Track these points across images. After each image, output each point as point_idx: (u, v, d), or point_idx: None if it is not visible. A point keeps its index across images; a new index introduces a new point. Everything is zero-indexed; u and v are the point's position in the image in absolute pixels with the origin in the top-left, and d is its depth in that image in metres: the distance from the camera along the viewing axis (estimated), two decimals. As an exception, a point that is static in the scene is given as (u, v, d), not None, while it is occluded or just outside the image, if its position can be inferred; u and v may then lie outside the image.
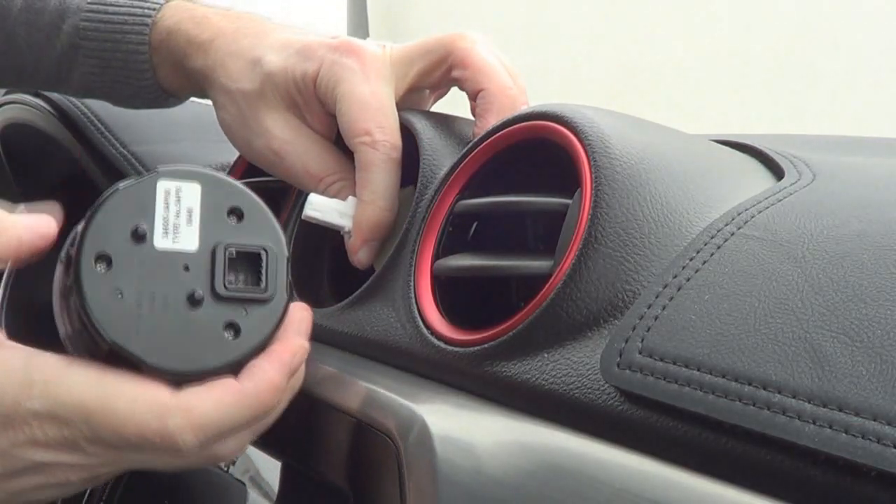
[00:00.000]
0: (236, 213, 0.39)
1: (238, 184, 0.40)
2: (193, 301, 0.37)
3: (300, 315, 0.42)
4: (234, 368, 0.38)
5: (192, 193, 0.39)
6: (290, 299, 0.40)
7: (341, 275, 0.56)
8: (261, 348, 0.39)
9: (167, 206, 0.38)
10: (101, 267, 0.37)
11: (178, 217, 0.38)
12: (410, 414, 0.42)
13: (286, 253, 0.39)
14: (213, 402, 0.38)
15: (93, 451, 0.38)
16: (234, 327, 0.38)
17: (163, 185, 0.38)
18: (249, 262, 0.39)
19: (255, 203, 0.40)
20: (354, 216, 0.51)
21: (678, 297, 0.35)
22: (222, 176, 0.40)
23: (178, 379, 0.38)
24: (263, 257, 0.39)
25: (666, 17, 1.60)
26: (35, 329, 0.41)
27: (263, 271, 0.39)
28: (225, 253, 0.38)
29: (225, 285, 0.38)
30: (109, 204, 0.38)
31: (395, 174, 0.51)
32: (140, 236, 0.38)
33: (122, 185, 0.38)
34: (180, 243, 0.38)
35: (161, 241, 0.38)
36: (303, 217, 0.52)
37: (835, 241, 0.35)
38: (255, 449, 0.54)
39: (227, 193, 0.39)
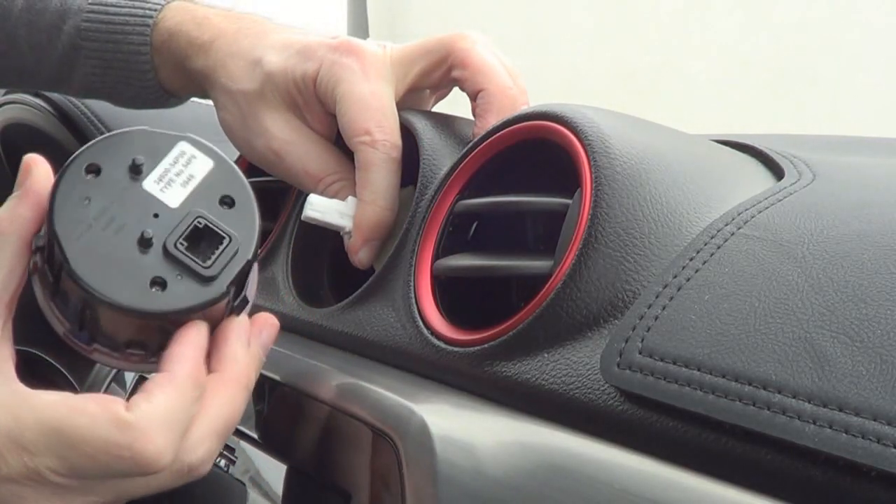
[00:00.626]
0: (228, 201, 0.40)
1: (245, 181, 0.41)
2: (143, 242, 0.38)
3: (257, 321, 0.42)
4: (140, 317, 0.38)
5: (202, 166, 0.40)
6: (234, 296, 0.40)
7: (341, 275, 0.56)
8: (167, 316, 0.38)
9: (174, 163, 0.40)
10: (89, 176, 0.39)
11: (178, 176, 0.39)
12: (410, 414, 0.42)
13: (250, 255, 0.39)
14: (162, 398, 0.37)
15: (58, 481, 0.37)
16: (162, 284, 0.38)
17: (182, 146, 0.40)
18: (213, 242, 0.39)
19: (250, 201, 0.40)
20: (355, 216, 0.51)
21: (678, 297, 0.35)
22: (235, 167, 0.41)
23: (86, 298, 0.38)
24: (225, 242, 0.39)
25: (666, 18, 1.60)
26: (34, 329, 0.41)
27: (216, 253, 0.39)
28: (194, 220, 0.39)
29: (176, 244, 0.38)
30: (128, 134, 0.40)
31: (395, 174, 0.51)
32: (135, 170, 0.39)
33: (152, 128, 0.40)
34: (165, 195, 0.39)
35: (150, 184, 0.39)
36: (302, 218, 0.51)
37: (835, 241, 0.35)
38: (255, 449, 0.54)
39: (230, 181, 0.40)
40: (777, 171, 0.46)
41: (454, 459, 0.39)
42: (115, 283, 0.38)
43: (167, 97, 0.62)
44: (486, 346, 0.41)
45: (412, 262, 0.47)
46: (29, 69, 0.64)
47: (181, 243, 0.38)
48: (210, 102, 0.59)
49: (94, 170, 0.39)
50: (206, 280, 0.38)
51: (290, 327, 0.55)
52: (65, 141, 0.80)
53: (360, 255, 0.51)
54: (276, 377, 0.52)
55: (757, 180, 0.45)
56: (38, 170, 0.40)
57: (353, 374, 0.48)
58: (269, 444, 0.53)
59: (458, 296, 0.46)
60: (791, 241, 0.36)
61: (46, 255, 0.39)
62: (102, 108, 0.79)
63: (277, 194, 0.61)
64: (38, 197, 0.40)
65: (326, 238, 0.56)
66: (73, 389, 0.85)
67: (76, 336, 0.41)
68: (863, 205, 0.38)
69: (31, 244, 0.40)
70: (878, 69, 1.35)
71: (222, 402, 0.40)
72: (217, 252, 0.39)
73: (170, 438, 0.37)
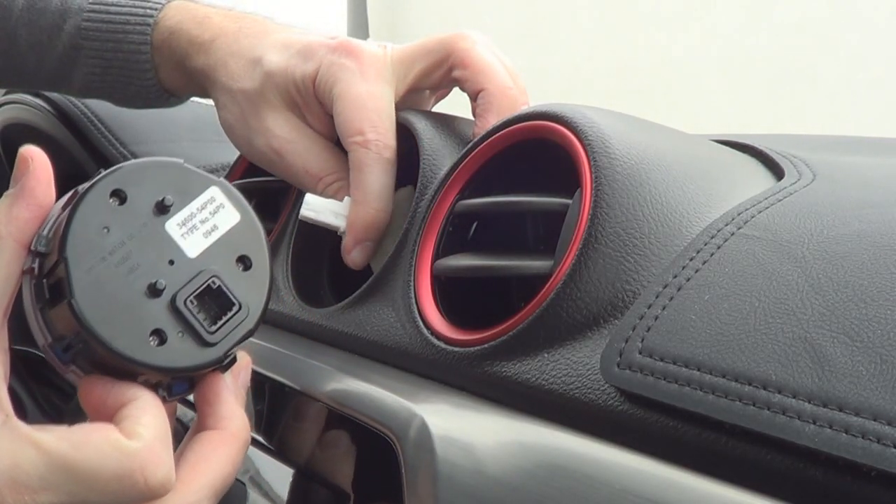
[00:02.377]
0: (245, 262, 0.39)
1: (266, 242, 0.40)
2: (153, 290, 0.37)
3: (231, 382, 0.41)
4: (131, 365, 0.37)
5: (228, 218, 0.39)
6: (226, 362, 0.39)
7: (341, 275, 0.56)
8: (160, 371, 0.37)
9: (202, 209, 0.38)
10: (112, 200, 0.37)
11: (202, 224, 0.38)
12: (410, 414, 0.42)
13: (253, 324, 0.39)
14: (150, 418, 0.37)
15: None
16: (162, 337, 0.37)
17: (213, 192, 0.39)
18: (222, 306, 0.38)
19: (265, 266, 0.39)
20: (348, 216, 0.51)
21: (678, 297, 0.35)
22: (259, 226, 0.39)
23: (81, 332, 0.36)
24: (234, 310, 0.38)
25: (665, 18, 1.60)
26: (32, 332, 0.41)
27: (224, 319, 0.38)
28: (209, 279, 0.38)
29: (186, 302, 0.37)
30: (163, 164, 0.38)
31: (387, 174, 0.51)
32: (162, 209, 0.37)
33: (188, 164, 0.39)
34: (185, 242, 0.38)
35: (172, 227, 0.38)
36: (299, 217, 0.52)
37: (835, 241, 0.35)
38: (254, 449, 0.54)
39: (251, 240, 0.39)
40: (777, 171, 0.46)
41: (454, 459, 0.39)
42: (116, 326, 0.36)
43: (167, 96, 0.62)
44: (486, 346, 0.41)
45: (412, 262, 0.47)
46: (29, 69, 0.65)
47: (191, 301, 0.37)
48: (210, 102, 0.59)
49: (120, 196, 0.37)
50: (207, 344, 0.37)
51: (290, 327, 0.55)
52: (65, 141, 0.80)
53: (353, 255, 0.51)
54: (276, 377, 0.52)
55: (757, 180, 0.45)
56: (36, 165, 0.38)
57: (353, 375, 0.48)
58: (268, 444, 0.53)
59: (458, 296, 0.46)
60: (791, 241, 0.36)
61: (46, 271, 0.37)
62: (102, 108, 0.79)
63: (277, 194, 0.61)
64: (37, 196, 0.38)
65: (326, 238, 0.56)
66: (73, 390, 0.85)
67: (57, 354, 0.39)
68: (863, 205, 0.38)
69: (28, 247, 0.38)
70: (878, 69, 1.35)
71: (224, 462, 0.39)
72: (224, 318, 0.38)
73: (170, 457, 0.37)
